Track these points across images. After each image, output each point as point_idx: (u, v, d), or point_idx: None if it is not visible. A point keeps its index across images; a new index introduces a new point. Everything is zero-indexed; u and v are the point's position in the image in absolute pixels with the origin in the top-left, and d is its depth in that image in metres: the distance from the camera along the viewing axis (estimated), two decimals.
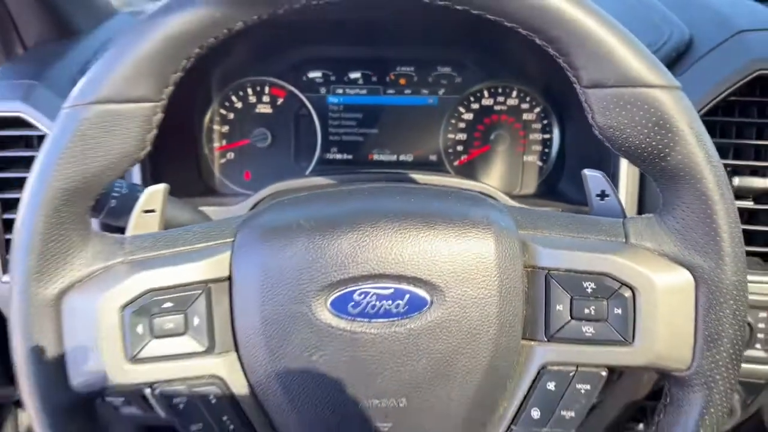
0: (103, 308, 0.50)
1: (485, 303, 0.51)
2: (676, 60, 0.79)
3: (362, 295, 0.50)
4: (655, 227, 0.52)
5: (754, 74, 0.72)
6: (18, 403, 1.30)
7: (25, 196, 0.49)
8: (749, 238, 0.77)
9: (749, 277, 0.73)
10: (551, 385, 0.53)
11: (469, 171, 0.98)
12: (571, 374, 0.52)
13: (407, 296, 0.50)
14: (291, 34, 0.95)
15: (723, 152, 0.77)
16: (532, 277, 0.53)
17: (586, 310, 0.52)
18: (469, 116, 0.98)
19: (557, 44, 0.49)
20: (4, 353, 1.22)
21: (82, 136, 0.48)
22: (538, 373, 0.53)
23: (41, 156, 0.49)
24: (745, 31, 0.76)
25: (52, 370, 0.50)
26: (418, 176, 0.90)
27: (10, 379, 1.26)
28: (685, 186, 0.50)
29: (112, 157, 0.49)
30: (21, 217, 0.49)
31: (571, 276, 0.52)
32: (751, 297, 0.74)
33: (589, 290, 0.52)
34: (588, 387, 0.53)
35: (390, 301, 0.50)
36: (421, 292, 0.50)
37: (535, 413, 0.53)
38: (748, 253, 0.76)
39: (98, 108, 0.48)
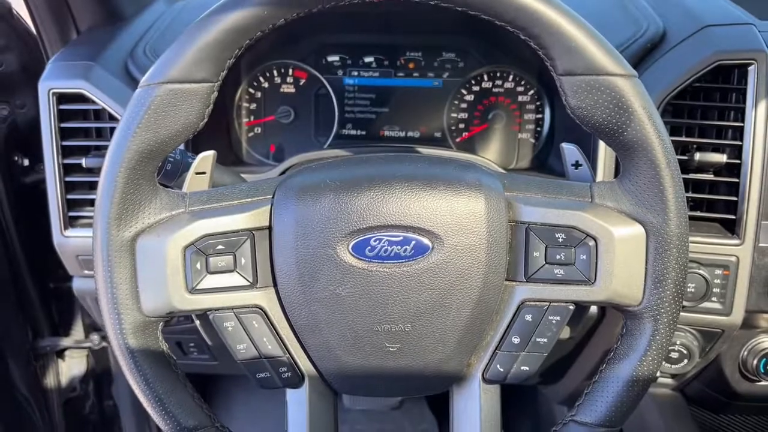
0: (169, 249, 0.62)
1: (476, 249, 0.63)
2: (651, 50, 0.90)
3: (377, 241, 0.62)
4: (615, 189, 0.64)
5: (715, 64, 0.83)
6: (59, 354, 1.43)
7: (108, 157, 0.61)
8: (710, 206, 0.88)
9: (709, 240, 0.86)
10: (529, 317, 0.65)
11: (469, 146, 1.10)
12: (545, 308, 0.64)
13: (413, 242, 0.62)
14: (312, 23, 1.06)
15: (689, 131, 0.89)
16: (515, 230, 0.65)
17: (558, 256, 0.63)
18: (470, 97, 1.09)
19: (537, 39, 0.60)
20: (48, 306, 1.36)
21: (155, 109, 0.60)
22: (518, 307, 0.64)
23: (121, 124, 0.61)
24: (710, 26, 0.87)
25: (128, 297, 0.63)
26: (424, 150, 1.02)
27: (53, 330, 1.40)
28: (638, 156, 0.61)
29: (177, 127, 0.61)
30: (104, 173, 0.61)
31: (546, 228, 0.64)
32: (709, 257, 0.86)
33: (560, 240, 0.63)
34: (558, 318, 0.65)
35: (399, 246, 0.62)
36: (425, 240, 0.62)
37: (516, 340, 0.65)
38: (709, 220, 0.88)
39: (167, 87, 0.60)
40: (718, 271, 0.85)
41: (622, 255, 0.62)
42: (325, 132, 1.11)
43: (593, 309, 0.91)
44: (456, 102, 1.09)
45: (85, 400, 1.49)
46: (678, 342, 0.89)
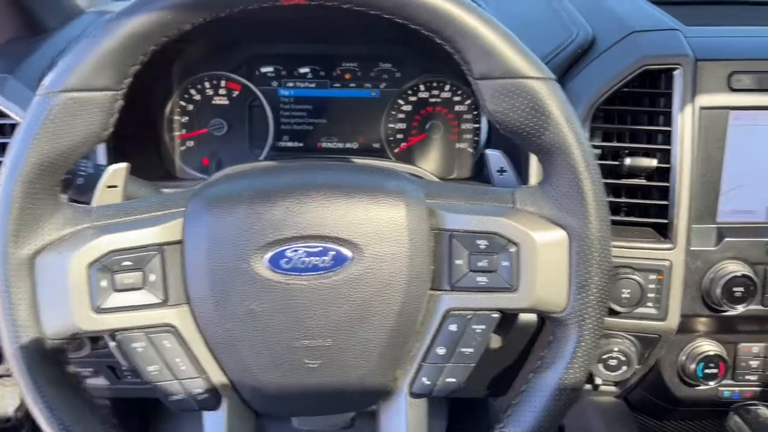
0: (71, 266, 0.59)
1: (397, 259, 0.61)
2: (581, 56, 0.91)
3: (294, 252, 0.60)
4: (537, 194, 0.63)
5: (642, 69, 0.83)
6: None
7: (4, 170, 0.58)
8: (644, 211, 0.88)
9: (642, 245, 0.85)
10: (453, 327, 0.63)
11: (408, 157, 1.09)
12: (469, 317, 0.63)
13: (332, 253, 0.60)
14: (244, 33, 1.05)
15: (620, 137, 0.88)
16: (438, 238, 0.63)
17: (480, 264, 0.62)
18: (407, 108, 1.08)
19: (452, 43, 0.59)
20: None
21: (53, 119, 0.57)
22: (443, 317, 0.63)
23: (18, 136, 0.57)
24: (637, 32, 0.88)
25: (27, 319, 0.59)
26: (362, 162, 1.00)
27: None
28: (557, 160, 0.60)
29: (78, 138, 0.58)
30: (0, 188, 0.58)
31: (469, 236, 0.62)
32: (642, 262, 0.85)
33: (482, 247, 0.62)
34: (483, 327, 0.63)
35: (317, 257, 0.60)
36: (344, 250, 0.60)
37: (441, 351, 0.63)
38: (643, 224, 0.88)
39: (66, 95, 0.57)
40: (652, 276, 0.85)
41: (545, 260, 0.61)
42: (260, 144, 1.08)
43: (533, 317, 0.90)
44: (393, 112, 1.08)
45: (20, 430, 1.42)
46: (616, 349, 0.88)
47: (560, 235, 0.61)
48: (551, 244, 0.61)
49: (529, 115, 0.59)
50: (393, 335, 0.62)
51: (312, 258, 0.60)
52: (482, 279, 0.62)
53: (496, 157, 0.69)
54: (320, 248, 0.60)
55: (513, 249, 0.61)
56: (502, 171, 0.69)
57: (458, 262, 0.62)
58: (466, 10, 0.58)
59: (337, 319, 0.61)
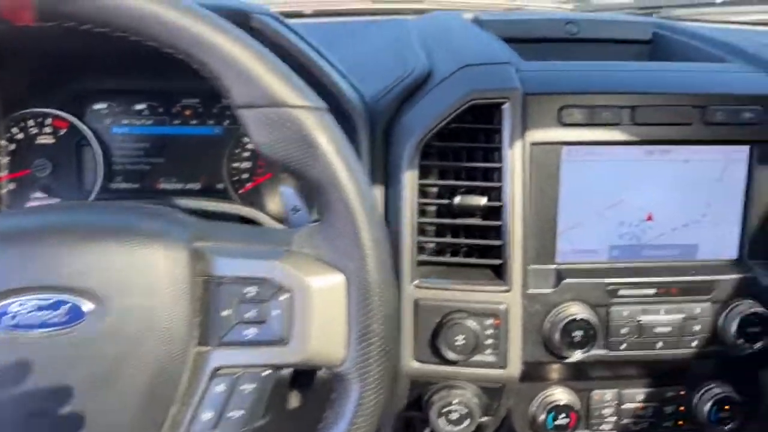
0: None
1: (152, 312, 0.53)
2: (415, 90, 0.87)
3: (21, 306, 0.51)
4: (315, 235, 0.57)
5: (470, 103, 0.79)
6: None
7: None
8: (482, 252, 0.83)
9: (475, 288, 0.80)
10: (221, 388, 0.55)
11: (254, 198, 1.02)
12: (236, 376, 0.55)
13: (66, 306, 0.52)
14: (72, 66, 0.97)
15: (456, 174, 0.84)
16: (207, 286, 0.56)
17: (248, 314, 0.55)
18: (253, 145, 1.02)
19: (208, 68, 0.53)
20: None
21: None
22: (210, 377, 0.55)
23: None
24: (469, 66, 0.84)
25: None
26: (202, 204, 0.93)
27: None
28: (330, 196, 0.54)
29: None
30: None
31: (239, 282, 0.55)
32: (477, 306, 0.80)
33: (252, 294, 0.55)
34: (253, 386, 0.56)
35: (49, 311, 0.52)
36: (82, 302, 0.52)
37: (207, 415, 0.56)
38: (481, 266, 0.83)
39: None
40: (489, 321, 0.79)
41: (320, 308, 0.55)
42: (90, 186, 1.00)
43: None
44: (237, 150, 1.02)
45: None
46: (456, 401, 0.82)
47: (338, 279, 0.55)
48: (328, 289, 0.55)
49: (297, 147, 0.53)
50: (149, 400, 0.54)
51: (43, 312, 0.52)
52: (250, 331, 0.55)
53: (289, 195, 0.63)
54: (53, 300, 0.52)
55: (284, 296, 0.55)
56: (295, 210, 0.63)
57: (225, 313, 0.55)
58: (220, 31, 0.52)
59: (76, 384, 0.52)
